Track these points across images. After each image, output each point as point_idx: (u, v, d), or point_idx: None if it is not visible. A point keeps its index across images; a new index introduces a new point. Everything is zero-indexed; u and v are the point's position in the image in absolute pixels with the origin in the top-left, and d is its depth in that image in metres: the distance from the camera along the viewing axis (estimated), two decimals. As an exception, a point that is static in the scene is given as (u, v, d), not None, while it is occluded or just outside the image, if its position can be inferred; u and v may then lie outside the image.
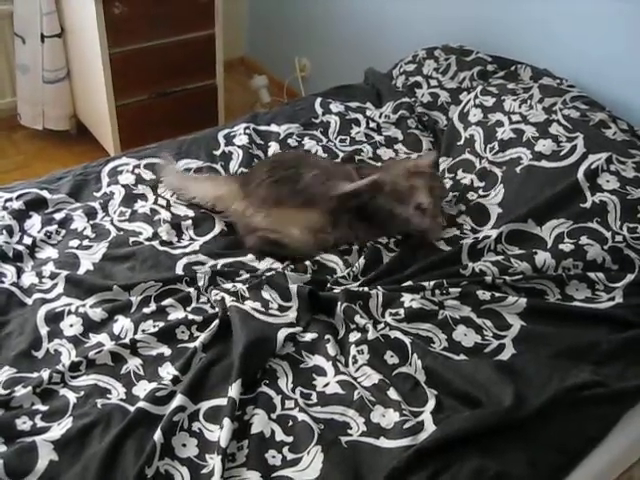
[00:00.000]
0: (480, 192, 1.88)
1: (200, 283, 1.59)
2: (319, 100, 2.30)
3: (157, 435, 1.22)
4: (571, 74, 2.16)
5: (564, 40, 2.21)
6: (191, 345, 1.43)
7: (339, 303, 1.52)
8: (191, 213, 1.84)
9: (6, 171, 2.89)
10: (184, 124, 2.78)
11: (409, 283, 1.61)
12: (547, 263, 1.65)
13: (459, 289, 1.59)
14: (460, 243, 1.73)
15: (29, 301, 1.53)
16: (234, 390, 1.30)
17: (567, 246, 1.68)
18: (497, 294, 1.58)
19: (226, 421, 1.25)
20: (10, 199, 1.80)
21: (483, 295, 1.58)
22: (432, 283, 1.59)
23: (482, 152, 1.98)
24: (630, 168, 1.76)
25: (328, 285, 1.62)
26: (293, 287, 1.55)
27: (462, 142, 2.05)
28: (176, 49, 2.77)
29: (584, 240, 1.68)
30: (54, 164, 2.92)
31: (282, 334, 1.44)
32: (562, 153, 1.82)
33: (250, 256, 1.72)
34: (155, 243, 1.72)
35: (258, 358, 1.39)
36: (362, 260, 1.69)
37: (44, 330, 1.46)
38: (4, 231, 1.68)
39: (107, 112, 2.68)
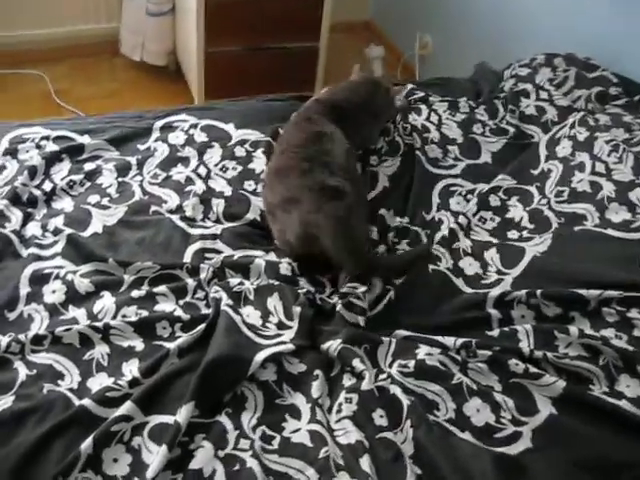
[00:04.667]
0: (524, 233, 1.62)
1: (202, 275, 1.44)
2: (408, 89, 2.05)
3: (85, 444, 1.10)
4: None
5: None
6: (167, 345, 1.29)
7: (336, 342, 1.31)
8: (228, 191, 1.68)
9: (95, 97, 2.86)
10: (276, 84, 2.60)
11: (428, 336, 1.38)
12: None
13: (489, 353, 1.34)
14: (483, 292, 1.49)
15: (24, 253, 1.45)
16: (182, 414, 1.15)
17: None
18: (533, 369, 1.32)
19: (162, 449, 1.10)
20: (47, 137, 1.72)
21: (516, 366, 1.32)
22: (459, 342, 1.36)
23: (548, 192, 1.70)
24: None
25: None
26: (297, 310, 1.36)
27: (537, 173, 1.76)
28: (278, 4, 2.58)
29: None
30: (144, 99, 2.87)
31: (261, 356, 1.26)
32: (634, 225, 1.52)
33: (272, 254, 1.55)
34: (175, 217, 1.58)
35: (222, 380, 1.22)
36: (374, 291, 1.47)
37: (25, 290, 1.37)
38: (26, 172, 1.60)
39: (196, 57, 2.55)
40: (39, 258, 1.44)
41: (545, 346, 1.38)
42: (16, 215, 1.51)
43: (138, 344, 1.30)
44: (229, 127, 1.87)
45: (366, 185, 1.72)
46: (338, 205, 1.47)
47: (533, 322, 1.45)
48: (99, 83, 2.96)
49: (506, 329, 1.42)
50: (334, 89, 1.85)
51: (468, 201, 1.73)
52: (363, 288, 1.43)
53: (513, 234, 1.64)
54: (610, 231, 1.56)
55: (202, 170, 1.73)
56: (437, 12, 3.07)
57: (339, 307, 1.39)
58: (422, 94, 2.03)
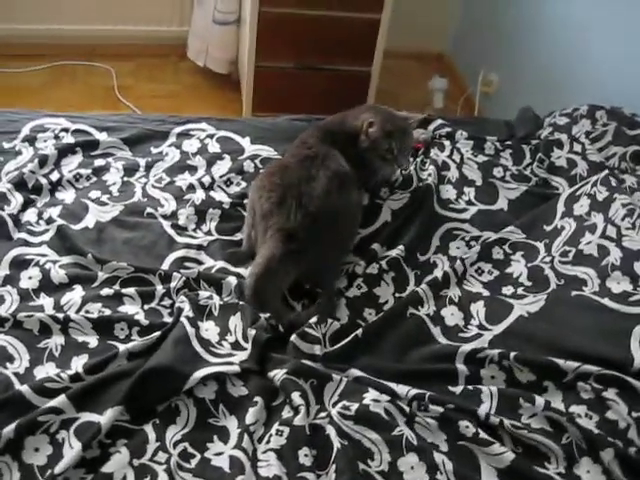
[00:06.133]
0: (519, 290, 1.53)
1: (173, 284, 1.45)
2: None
3: (7, 429, 1.12)
4: None
5: None
6: (120, 346, 1.31)
7: (281, 372, 1.29)
8: (227, 204, 1.69)
9: (154, 96, 2.95)
10: (326, 105, 2.58)
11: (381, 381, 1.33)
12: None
13: (441, 409, 1.28)
14: (455, 345, 1.41)
15: (15, 236, 1.51)
16: (107, 416, 1.16)
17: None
18: (483, 435, 1.24)
19: (77, 447, 1.12)
20: (67, 129, 1.79)
21: (466, 429, 1.25)
22: (412, 392, 1.30)
23: (554, 251, 1.60)
24: None
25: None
26: (251, 332, 1.35)
27: (549, 229, 1.66)
28: (333, 24, 2.57)
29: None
30: (200, 104, 2.95)
31: (201, 373, 1.25)
32: (633, 298, 1.40)
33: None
34: (167, 223, 1.61)
35: (154, 390, 1.22)
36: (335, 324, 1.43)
37: (3, 272, 1.42)
38: (37, 160, 1.67)
39: (246, 70, 2.59)
40: (27, 243, 1.50)
41: (508, 413, 1.30)
42: (17, 199, 1.58)
43: (93, 341, 1.33)
44: (245, 141, 1.88)
45: (357, 216, 1.67)
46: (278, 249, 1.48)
47: (503, 385, 1.37)
48: (161, 83, 3.06)
49: (470, 387, 1.35)
50: (333, 116, 1.84)
51: (470, 247, 1.66)
52: (314, 319, 1.40)
53: (508, 289, 1.55)
54: (607, 301, 1.45)
55: (206, 180, 1.75)
56: (507, 52, 2.98)
57: (293, 337, 1.37)
58: (449, 130, 1.97)
